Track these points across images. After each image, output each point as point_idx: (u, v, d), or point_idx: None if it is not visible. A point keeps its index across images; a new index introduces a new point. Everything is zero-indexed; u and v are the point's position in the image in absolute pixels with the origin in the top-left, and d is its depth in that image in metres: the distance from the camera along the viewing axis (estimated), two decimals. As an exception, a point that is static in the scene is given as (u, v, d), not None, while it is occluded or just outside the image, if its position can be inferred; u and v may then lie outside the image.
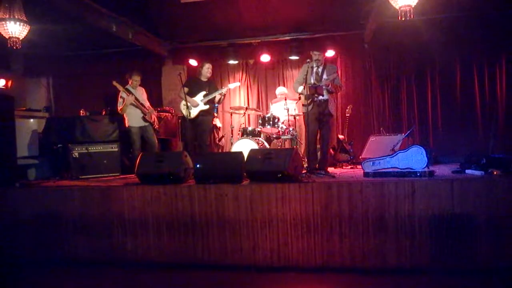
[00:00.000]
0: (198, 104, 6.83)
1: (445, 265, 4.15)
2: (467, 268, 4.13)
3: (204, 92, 6.93)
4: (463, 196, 4.14)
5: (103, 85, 6.79)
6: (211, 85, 7.20)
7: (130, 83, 6.98)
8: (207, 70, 7.07)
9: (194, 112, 6.82)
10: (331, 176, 5.41)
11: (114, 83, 6.77)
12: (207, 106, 6.94)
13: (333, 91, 6.13)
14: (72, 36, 8.13)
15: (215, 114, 8.78)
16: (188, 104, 6.68)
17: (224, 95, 7.17)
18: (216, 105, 8.55)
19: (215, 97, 7.03)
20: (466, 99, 8.16)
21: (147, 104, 7.05)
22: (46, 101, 9.87)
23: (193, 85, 6.91)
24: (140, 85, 7.13)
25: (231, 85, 7.26)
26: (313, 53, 6.16)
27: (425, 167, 4.74)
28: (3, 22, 5.32)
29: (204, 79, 7.06)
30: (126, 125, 6.91)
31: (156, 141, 7.08)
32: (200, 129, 6.96)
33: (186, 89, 6.79)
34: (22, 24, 5.41)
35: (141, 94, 7.07)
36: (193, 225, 4.70)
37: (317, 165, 6.16)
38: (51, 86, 10.04)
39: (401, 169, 4.85)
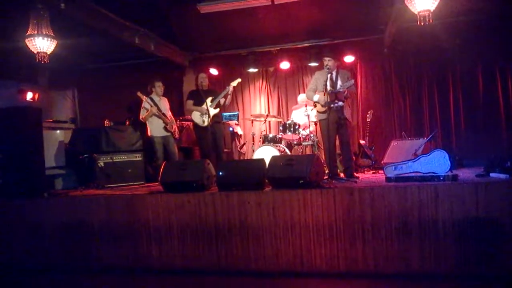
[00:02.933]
0: (208, 109, 6.86)
1: (469, 271, 4.08)
2: (492, 274, 4.05)
3: (210, 98, 6.94)
4: (487, 200, 4.07)
5: (126, 96, 6.93)
6: (214, 91, 7.25)
7: (153, 91, 7.09)
8: (202, 79, 7.06)
9: (207, 119, 6.82)
10: (352, 181, 5.40)
11: (139, 93, 6.91)
12: (217, 110, 6.95)
13: (349, 96, 6.14)
14: (96, 49, 8.36)
15: (236, 122, 8.87)
16: (200, 113, 6.78)
17: (229, 94, 7.12)
18: (237, 112, 8.62)
19: (222, 99, 7.03)
20: (489, 102, 8.06)
21: (169, 114, 7.16)
22: (72, 112, 10.13)
23: (197, 95, 6.92)
24: (163, 95, 7.24)
25: (233, 83, 7.24)
26: (324, 59, 6.17)
27: (448, 171, 4.68)
28: (32, 38, 5.51)
29: (204, 88, 7.06)
30: (149, 134, 7.02)
31: (177, 151, 7.14)
32: (218, 137, 6.99)
33: (191, 102, 6.91)
34: (49, 39, 5.58)
35: (164, 104, 7.18)
36: (216, 232, 4.74)
37: (343, 172, 6.17)
38: (76, 98, 10.30)
39: (423, 173, 4.81)
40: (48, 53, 5.64)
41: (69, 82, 10.05)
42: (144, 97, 6.91)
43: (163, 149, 7.02)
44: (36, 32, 5.48)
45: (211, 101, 6.91)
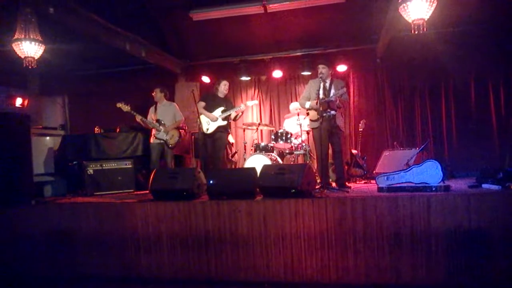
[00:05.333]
0: (216, 119, 6.83)
1: (461, 282, 4.05)
2: (484, 285, 4.02)
3: (222, 108, 6.92)
4: (480, 211, 4.05)
5: (117, 103, 6.86)
6: (228, 102, 7.20)
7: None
8: (224, 87, 7.05)
9: (212, 127, 6.80)
10: (344, 191, 5.37)
11: (118, 105, 6.90)
12: (225, 122, 6.92)
13: (341, 106, 6.13)
14: (87, 55, 8.29)
15: (228, 131, 8.81)
16: (208, 119, 6.72)
17: (242, 112, 7.17)
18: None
19: (231, 113, 7.01)
20: (481, 113, 8.08)
21: (167, 121, 7.07)
22: (62, 119, 10.04)
23: (211, 100, 6.89)
24: (168, 100, 7.36)
25: (249, 103, 7.24)
26: (318, 66, 6.16)
27: (440, 182, 4.67)
28: (19, 42, 5.40)
29: (221, 95, 7.06)
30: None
31: (169, 160, 7.08)
32: (216, 145, 6.92)
33: (203, 104, 6.84)
34: (37, 44, 5.48)
35: (165, 111, 7.14)
36: (206, 241, 4.68)
37: (335, 182, 6.14)
38: (67, 104, 10.22)
39: (416, 183, 4.79)
40: (36, 58, 5.54)
41: (60, 88, 9.97)
42: (125, 106, 6.87)
43: (160, 156, 6.96)
44: (23, 36, 5.37)
45: (222, 111, 6.88)
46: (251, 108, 9.43)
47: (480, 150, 7.83)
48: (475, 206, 4.06)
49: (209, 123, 6.78)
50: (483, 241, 4.03)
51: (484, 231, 4.03)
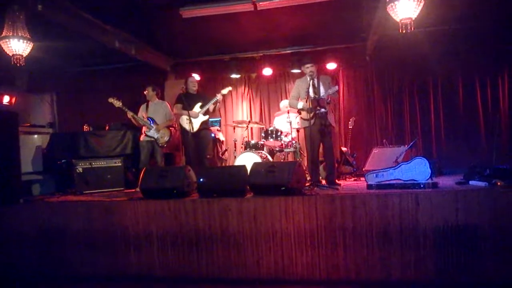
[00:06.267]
0: (197, 115, 6.82)
1: (450, 278, 4.10)
2: (472, 281, 4.08)
3: (199, 104, 6.91)
4: (467, 208, 4.11)
5: (107, 101, 6.81)
6: (204, 96, 7.19)
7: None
8: (191, 83, 7.05)
9: (196, 125, 6.74)
10: (334, 188, 5.39)
11: (110, 100, 6.83)
12: (206, 117, 6.92)
13: (330, 102, 6.12)
14: (76, 52, 8.22)
15: (218, 128, 8.81)
16: (188, 118, 6.68)
17: (219, 102, 7.14)
18: (219, 118, 8.56)
19: (209, 107, 6.96)
20: (468, 111, 8.19)
21: (158, 120, 7.04)
22: (50, 117, 9.95)
23: (186, 99, 6.78)
24: (160, 99, 7.36)
25: (224, 91, 7.20)
26: (304, 66, 6.16)
27: (428, 179, 4.73)
28: (7, 40, 5.35)
29: (192, 92, 7.04)
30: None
31: (160, 158, 7.04)
32: (202, 143, 6.91)
33: (180, 105, 6.82)
34: (25, 41, 5.43)
35: (156, 110, 7.12)
36: (197, 239, 4.68)
37: (325, 179, 6.16)
38: (55, 102, 10.12)
39: (404, 181, 4.84)
40: (24, 56, 5.50)
41: (48, 85, 9.86)
42: (117, 102, 6.83)
43: (150, 154, 6.95)
44: (11, 34, 5.33)
45: (200, 107, 6.86)
46: (241, 106, 9.44)
47: (468, 147, 7.95)
48: (463, 202, 4.12)
49: (193, 121, 6.71)
50: (471, 237, 4.08)
51: (472, 227, 4.09)
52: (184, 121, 6.78)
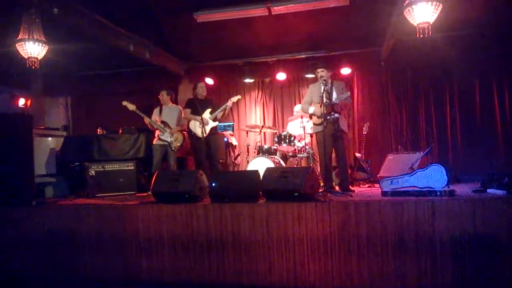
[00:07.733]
0: (208, 121, 6.80)
1: (467, 288, 4.00)
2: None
3: (209, 109, 6.90)
4: (485, 217, 3.99)
5: (120, 104, 6.82)
6: (212, 102, 7.19)
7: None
8: (201, 89, 7.01)
9: (207, 130, 6.76)
10: (348, 195, 5.31)
11: (124, 103, 6.86)
12: (216, 123, 6.92)
13: (344, 107, 6.08)
14: (90, 56, 8.28)
15: (231, 133, 8.79)
16: (198, 123, 6.66)
17: (229, 109, 7.10)
18: (232, 123, 8.54)
19: (219, 113, 6.96)
20: (486, 117, 8.03)
21: (172, 123, 7.02)
22: (64, 120, 10.03)
23: (195, 105, 6.80)
24: (174, 103, 7.34)
25: (233, 99, 7.19)
26: (317, 71, 6.10)
27: (445, 186, 4.62)
28: (22, 43, 5.40)
29: (202, 97, 7.01)
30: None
31: (173, 162, 7.01)
32: (213, 148, 6.87)
33: (189, 110, 6.81)
34: (41, 44, 5.48)
35: (170, 113, 7.11)
36: (208, 245, 4.64)
37: (338, 185, 6.08)
38: (69, 105, 10.22)
39: (420, 188, 4.74)
40: (39, 58, 5.54)
41: (63, 89, 9.96)
42: (131, 105, 6.84)
43: (162, 158, 6.94)
44: (27, 37, 5.37)
45: (210, 113, 6.85)
46: (254, 111, 9.41)
47: (485, 154, 7.77)
48: (480, 211, 4.01)
49: (202, 126, 6.68)
50: (489, 247, 3.97)
51: (490, 236, 3.98)
52: (194, 126, 6.76)
